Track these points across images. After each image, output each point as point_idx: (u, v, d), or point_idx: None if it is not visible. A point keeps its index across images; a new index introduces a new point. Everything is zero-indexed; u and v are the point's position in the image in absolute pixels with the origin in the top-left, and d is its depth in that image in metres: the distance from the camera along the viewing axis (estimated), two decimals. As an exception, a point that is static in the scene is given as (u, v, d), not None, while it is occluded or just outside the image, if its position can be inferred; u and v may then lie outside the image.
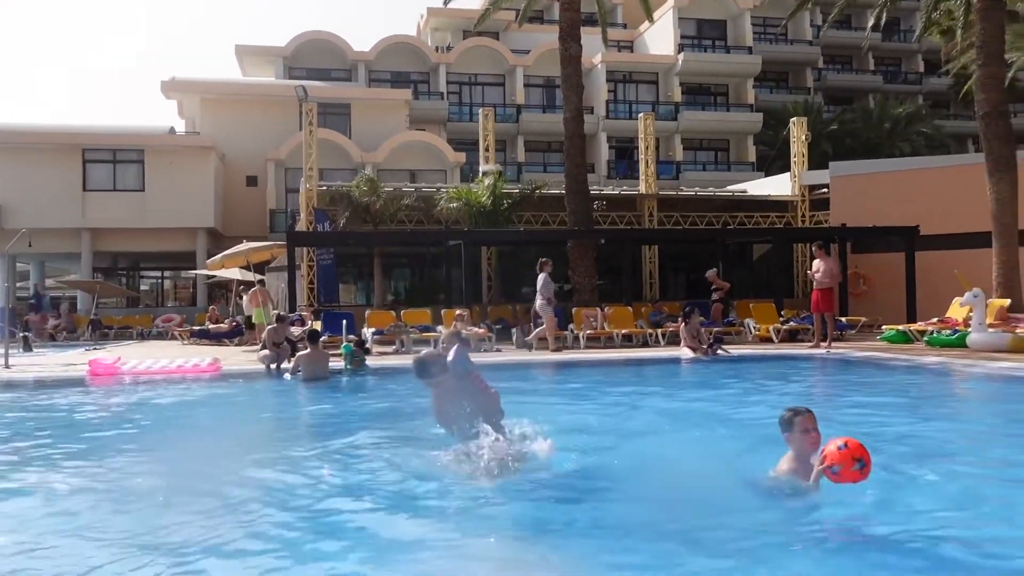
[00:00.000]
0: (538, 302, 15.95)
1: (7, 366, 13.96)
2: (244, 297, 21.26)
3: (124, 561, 3.70)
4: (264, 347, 13.35)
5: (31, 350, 19.87)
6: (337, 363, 12.45)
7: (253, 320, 19.70)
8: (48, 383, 12.01)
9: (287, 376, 11.80)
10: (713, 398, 9.45)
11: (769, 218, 24.85)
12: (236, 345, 20.64)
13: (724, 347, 14.23)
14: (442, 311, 18.33)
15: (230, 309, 25.52)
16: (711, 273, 19.43)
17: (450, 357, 6.29)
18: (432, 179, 31.09)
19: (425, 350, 6.83)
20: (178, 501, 4.88)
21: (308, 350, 11.57)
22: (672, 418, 8.10)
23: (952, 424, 7.64)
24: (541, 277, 15.91)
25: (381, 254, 23.29)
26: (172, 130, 32.70)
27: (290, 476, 5.49)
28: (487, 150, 24.49)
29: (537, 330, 16.28)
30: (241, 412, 9.68)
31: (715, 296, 19.25)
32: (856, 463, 4.02)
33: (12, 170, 28.98)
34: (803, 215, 24.73)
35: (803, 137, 25.20)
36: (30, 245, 19.26)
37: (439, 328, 17.52)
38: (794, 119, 26.03)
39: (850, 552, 3.77)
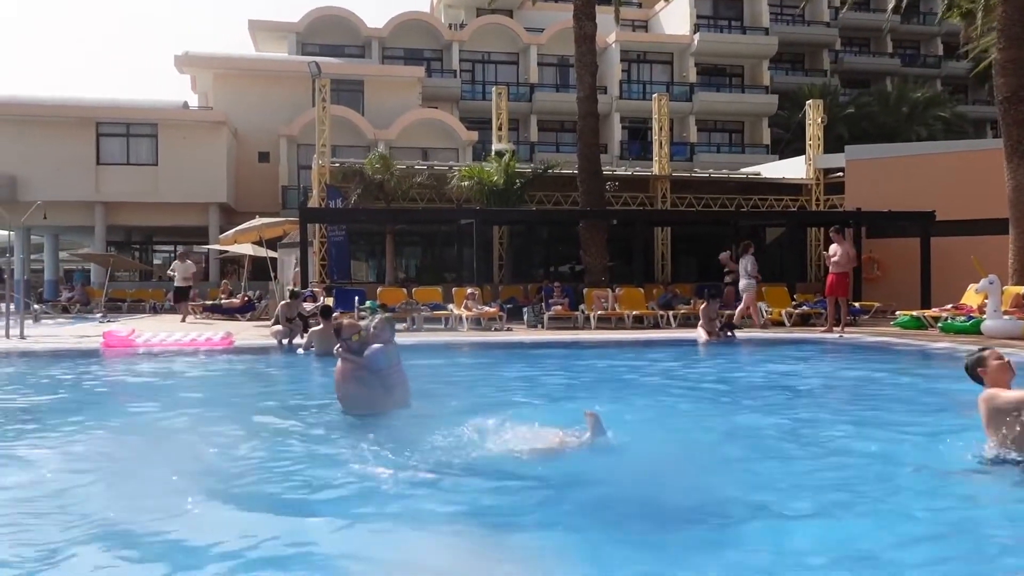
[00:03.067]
0: (743, 282, 16.30)
1: (22, 336, 14.06)
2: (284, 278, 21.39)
3: (113, 530, 3.76)
4: (277, 322, 13.41)
5: (39, 321, 19.99)
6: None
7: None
8: (62, 354, 12.11)
9: (300, 351, 11.86)
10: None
11: (783, 201, 24.70)
12: (248, 320, 20.74)
13: (733, 331, 14.21)
14: (453, 289, 18.35)
15: (242, 284, 25.63)
16: (724, 256, 19.36)
17: (368, 352, 6.35)
18: (444, 157, 31.00)
19: (348, 320, 6.87)
20: (175, 470, 4.91)
21: (321, 326, 11.61)
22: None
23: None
24: (750, 259, 16.34)
25: (393, 232, 23.29)
26: (185, 105, 32.69)
27: (296, 448, 5.53)
28: (500, 129, 24.38)
29: (740, 308, 16.43)
30: (253, 385, 9.73)
31: (728, 279, 19.20)
32: None
33: (27, 143, 29.00)
34: (817, 199, 24.57)
35: (819, 120, 24.99)
36: (45, 218, 19.35)
37: (450, 306, 17.58)
38: (810, 101, 25.80)
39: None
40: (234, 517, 3.99)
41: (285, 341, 12.93)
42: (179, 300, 21.08)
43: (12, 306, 15.20)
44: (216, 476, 4.81)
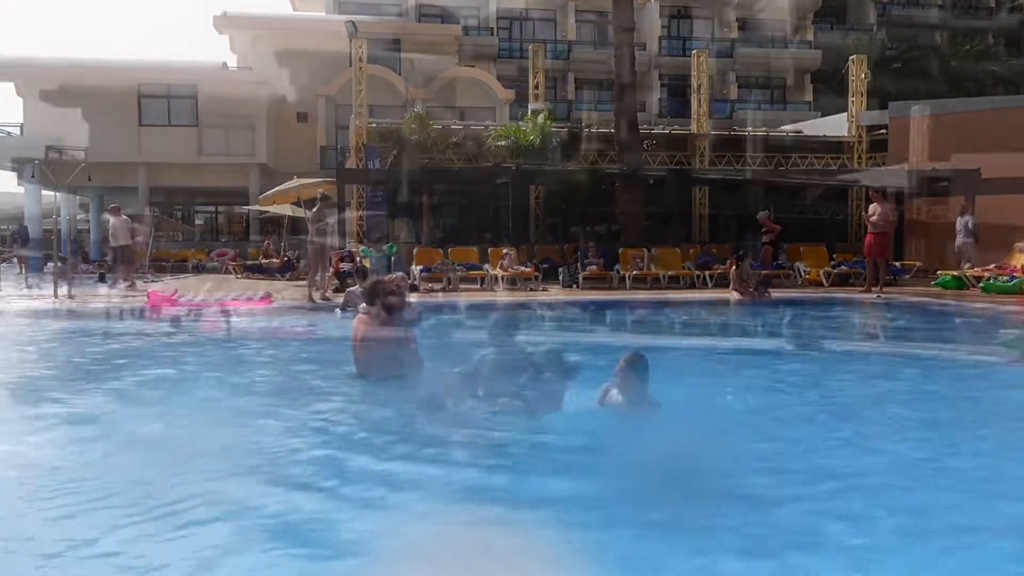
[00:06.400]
0: (961, 240, 16.63)
1: (71, 296, 14.47)
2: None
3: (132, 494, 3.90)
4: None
5: (104, 281, 20.53)
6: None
7: None
8: (108, 314, 12.46)
9: (338, 312, 12.02)
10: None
11: (824, 159, 24.27)
12: (287, 280, 21.05)
13: (768, 290, 14.14)
14: (489, 249, 18.43)
15: (282, 244, 25.96)
16: (762, 215, 19.17)
17: (413, 306, 6.26)
18: (481, 116, 30.86)
19: (382, 276, 6.67)
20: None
21: (358, 287, 11.75)
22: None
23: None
24: (970, 217, 16.73)
25: (429, 192, 23.35)
26: (224, 66, 32.89)
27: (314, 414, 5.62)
28: (536, 88, 24.21)
29: (965, 267, 16.68)
30: (283, 347, 9.88)
31: (765, 239, 19.02)
32: None
33: (72, 105, 29.46)
34: (860, 157, 24.10)
35: (863, 76, 24.40)
36: (89, 179, 19.66)
37: (485, 266, 17.68)
38: (853, 56, 25.18)
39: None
40: (238, 487, 4.04)
41: (316, 296, 13.26)
42: (122, 262, 18.21)
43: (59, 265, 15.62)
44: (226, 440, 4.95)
